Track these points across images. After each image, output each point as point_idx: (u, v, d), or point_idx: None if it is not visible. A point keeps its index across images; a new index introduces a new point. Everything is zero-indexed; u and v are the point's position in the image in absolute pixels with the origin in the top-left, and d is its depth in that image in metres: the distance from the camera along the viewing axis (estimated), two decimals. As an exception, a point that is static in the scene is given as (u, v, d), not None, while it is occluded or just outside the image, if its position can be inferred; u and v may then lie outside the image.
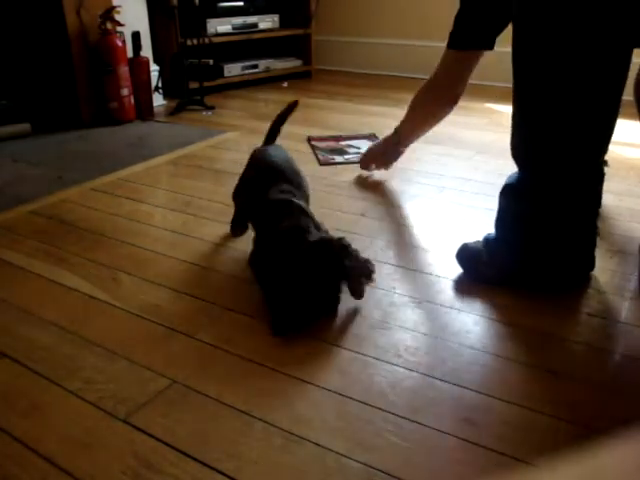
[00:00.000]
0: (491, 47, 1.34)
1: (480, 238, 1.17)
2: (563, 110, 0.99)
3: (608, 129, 1.02)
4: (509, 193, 1.10)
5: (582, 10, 0.91)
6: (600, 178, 1.07)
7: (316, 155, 1.96)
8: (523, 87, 1.04)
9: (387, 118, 2.40)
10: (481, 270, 1.12)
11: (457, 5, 1.34)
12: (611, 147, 1.07)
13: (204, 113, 2.54)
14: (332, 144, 2.08)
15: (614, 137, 1.05)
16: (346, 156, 1.95)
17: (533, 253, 1.08)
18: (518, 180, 1.09)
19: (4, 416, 0.81)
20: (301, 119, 2.40)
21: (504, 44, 3.05)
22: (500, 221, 1.12)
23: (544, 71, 0.99)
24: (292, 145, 2.21)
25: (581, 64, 0.95)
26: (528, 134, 1.06)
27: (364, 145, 2.00)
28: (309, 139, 2.12)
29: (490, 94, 2.75)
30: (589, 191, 1.07)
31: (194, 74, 2.59)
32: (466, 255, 1.16)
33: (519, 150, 1.09)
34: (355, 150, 2.00)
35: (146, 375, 0.88)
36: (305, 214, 1.07)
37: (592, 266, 1.14)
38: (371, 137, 2.13)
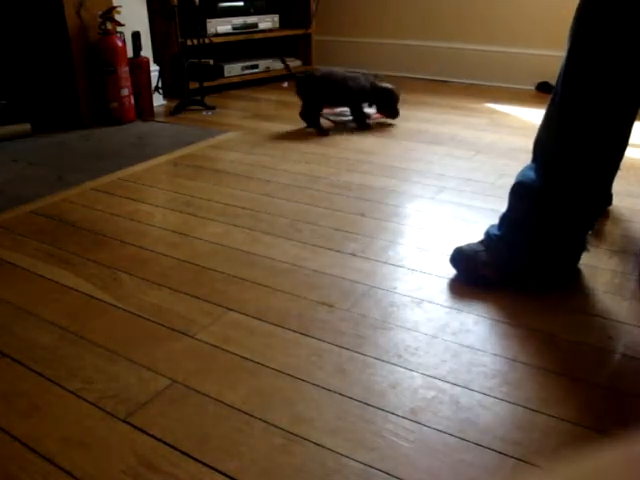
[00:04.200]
0: None
1: (474, 240, 1.17)
2: (599, 113, 0.98)
3: (629, 134, 1.03)
4: (522, 194, 1.09)
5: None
6: (613, 179, 1.08)
7: (327, 118, 2.35)
8: (568, 87, 1.01)
9: (389, 118, 2.40)
10: (480, 271, 1.12)
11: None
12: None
13: (204, 113, 2.54)
14: (330, 110, 2.47)
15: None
16: (347, 117, 2.37)
17: (536, 254, 1.08)
18: (531, 180, 1.08)
19: (4, 416, 0.81)
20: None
21: (506, 45, 3.04)
22: (509, 221, 1.11)
23: (591, 74, 0.97)
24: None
25: (625, 69, 0.94)
26: (558, 133, 1.04)
27: (348, 110, 2.49)
28: None
29: (490, 94, 2.75)
30: (598, 194, 1.07)
31: (194, 74, 2.59)
32: (462, 257, 1.14)
33: (543, 148, 1.08)
34: (348, 114, 2.40)
35: (146, 375, 0.88)
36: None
37: (578, 259, 1.15)
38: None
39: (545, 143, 1.07)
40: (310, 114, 2.22)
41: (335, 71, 2.25)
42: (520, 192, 1.09)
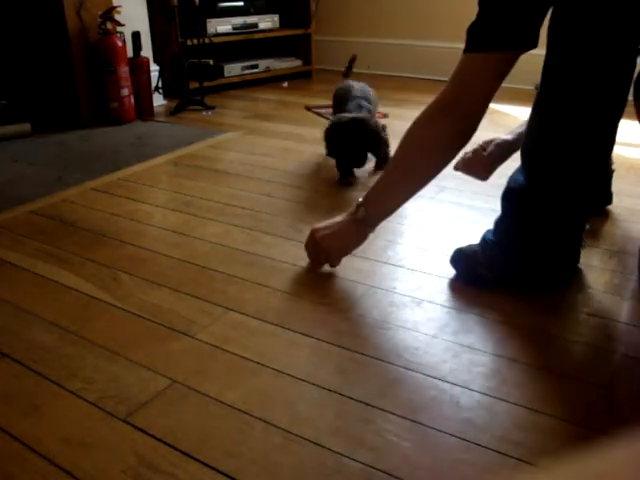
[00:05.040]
0: (535, 44, 0.97)
1: (474, 240, 1.17)
2: (579, 112, 0.99)
3: (614, 133, 1.03)
4: (512, 198, 1.09)
5: (610, 11, 0.90)
6: (602, 179, 1.08)
7: (325, 118, 2.29)
8: (548, 86, 1.01)
9: (387, 118, 2.40)
10: (479, 272, 1.12)
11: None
12: (611, 147, 1.07)
13: (204, 113, 2.54)
14: (330, 110, 2.41)
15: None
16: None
17: (530, 256, 1.08)
18: (520, 184, 1.08)
19: (4, 416, 0.81)
20: (302, 118, 2.40)
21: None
22: (502, 226, 1.11)
23: (570, 72, 0.97)
24: (300, 115, 2.23)
25: (603, 66, 0.95)
26: (541, 131, 1.04)
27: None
28: (308, 108, 2.38)
29: (490, 94, 2.74)
30: (588, 192, 1.07)
31: (194, 74, 2.59)
32: (462, 258, 1.15)
33: (529, 147, 1.08)
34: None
35: (146, 375, 0.88)
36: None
37: (578, 259, 1.15)
38: None
39: (529, 143, 1.08)
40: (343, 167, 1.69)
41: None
42: (510, 197, 1.10)
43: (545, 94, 1.01)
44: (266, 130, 2.25)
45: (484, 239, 1.15)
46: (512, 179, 1.11)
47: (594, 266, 1.19)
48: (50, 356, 0.93)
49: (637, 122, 1.21)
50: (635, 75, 1.08)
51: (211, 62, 2.77)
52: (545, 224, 1.07)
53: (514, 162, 1.13)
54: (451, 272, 1.17)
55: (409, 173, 1.10)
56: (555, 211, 1.06)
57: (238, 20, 2.89)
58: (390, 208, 1.13)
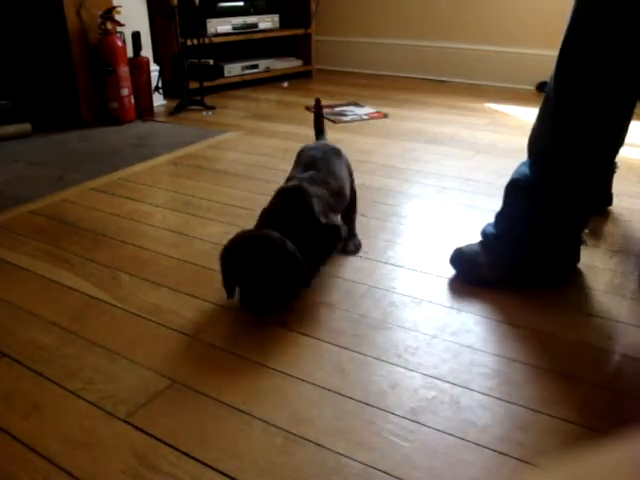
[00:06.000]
0: None
1: (474, 240, 1.17)
2: (593, 108, 0.99)
3: (624, 133, 1.03)
4: (517, 189, 1.10)
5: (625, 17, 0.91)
6: (607, 175, 1.08)
7: (327, 118, 2.29)
8: (562, 82, 1.01)
9: (388, 118, 2.40)
10: (481, 272, 1.12)
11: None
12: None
13: (204, 113, 2.54)
14: (330, 110, 2.46)
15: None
16: (348, 117, 2.40)
17: (538, 248, 1.09)
18: (527, 176, 1.08)
19: (4, 416, 0.81)
20: (302, 118, 2.40)
21: (506, 45, 3.04)
22: (505, 217, 1.12)
23: (585, 69, 0.98)
24: (300, 115, 2.22)
25: (616, 68, 0.95)
26: (553, 127, 1.05)
27: (355, 109, 2.52)
28: (308, 108, 2.41)
29: (490, 94, 2.75)
30: (594, 187, 1.08)
31: (194, 74, 2.59)
32: (462, 259, 1.15)
33: (538, 143, 1.08)
34: (351, 113, 2.45)
35: (146, 375, 0.88)
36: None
37: (578, 257, 1.16)
38: (353, 103, 2.64)
39: (541, 138, 1.08)
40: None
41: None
42: (515, 189, 1.10)
43: (559, 90, 1.01)
44: (266, 130, 2.25)
45: (485, 233, 1.15)
46: (517, 172, 1.11)
47: (594, 266, 1.19)
48: (50, 356, 0.93)
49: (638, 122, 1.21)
50: None
51: (211, 62, 2.77)
52: (549, 215, 1.07)
53: (517, 160, 1.13)
54: (451, 272, 1.17)
55: None
56: (563, 203, 1.06)
57: (238, 20, 2.89)
58: None
